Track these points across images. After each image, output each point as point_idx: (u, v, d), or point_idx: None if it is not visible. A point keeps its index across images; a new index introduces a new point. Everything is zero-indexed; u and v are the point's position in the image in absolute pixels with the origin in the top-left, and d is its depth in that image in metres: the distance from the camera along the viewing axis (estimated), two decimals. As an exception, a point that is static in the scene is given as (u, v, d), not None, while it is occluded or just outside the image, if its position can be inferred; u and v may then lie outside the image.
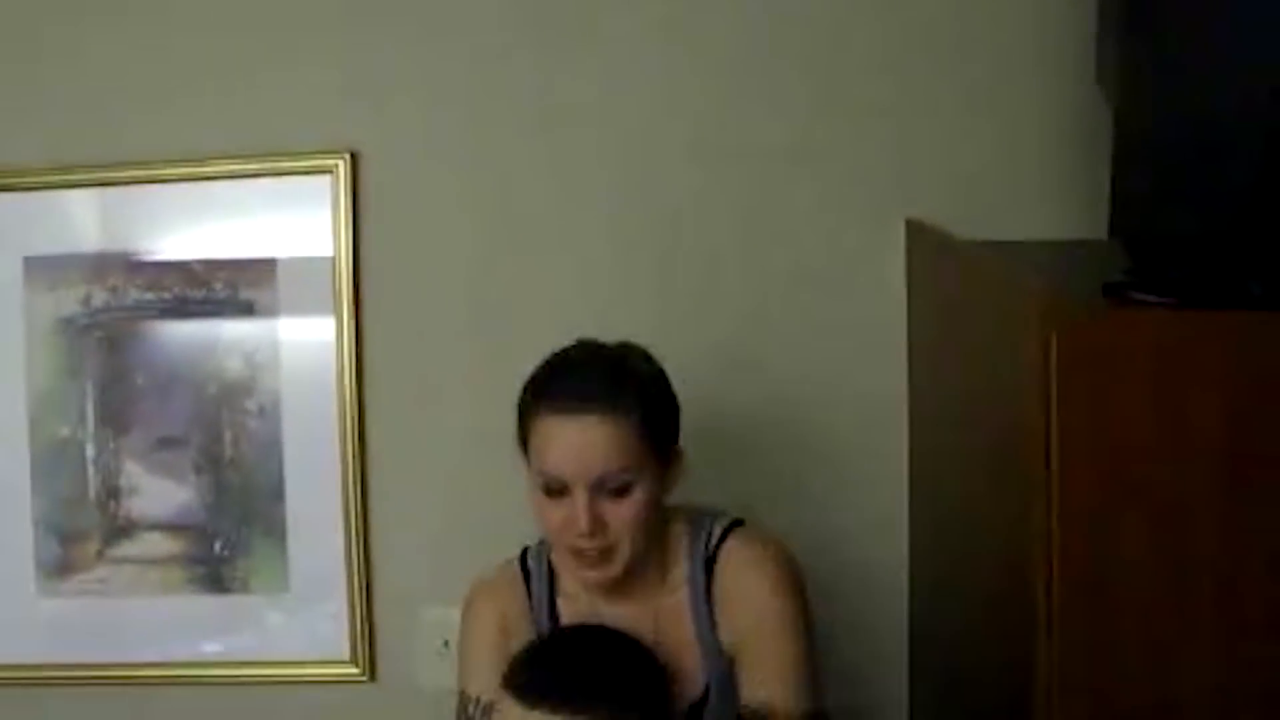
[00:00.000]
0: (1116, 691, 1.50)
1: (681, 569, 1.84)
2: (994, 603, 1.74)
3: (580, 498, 1.72)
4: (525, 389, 1.77)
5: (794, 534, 1.95)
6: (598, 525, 1.72)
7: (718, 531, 1.84)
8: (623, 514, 1.73)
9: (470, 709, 1.82)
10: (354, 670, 2.30)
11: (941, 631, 2.12)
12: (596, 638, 1.76)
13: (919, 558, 2.24)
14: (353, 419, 2.25)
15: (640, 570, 1.80)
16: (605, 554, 1.75)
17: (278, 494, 2.28)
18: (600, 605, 1.83)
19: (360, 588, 2.28)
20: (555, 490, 1.73)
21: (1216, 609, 1.47)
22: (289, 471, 2.28)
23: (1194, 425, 1.42)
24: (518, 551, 1.88)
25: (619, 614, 1.82)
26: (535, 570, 1.87)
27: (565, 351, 1.81)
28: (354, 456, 2.25)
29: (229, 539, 2.29)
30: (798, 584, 1.82)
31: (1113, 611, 1.48)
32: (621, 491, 1.73)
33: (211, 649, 2.32)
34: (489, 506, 2.17)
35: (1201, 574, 1.46)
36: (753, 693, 1.77)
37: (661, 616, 1.83)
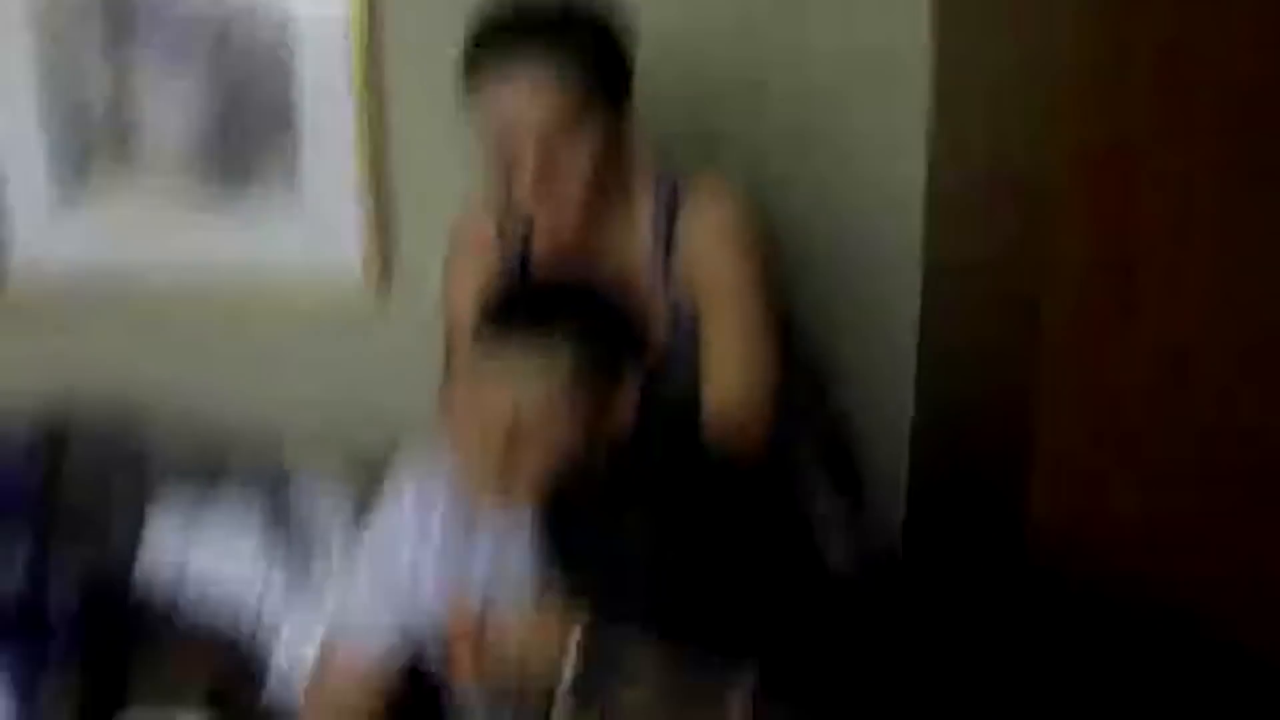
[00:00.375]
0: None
1: (643, 225, 1.84)
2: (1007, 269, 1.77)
3: (528, 149, 1.70)
4: (464, 50, 1.73)
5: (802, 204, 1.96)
6: (549, 171, 1.71)
7: (681, 188, 1.84)
8: (575, 156, 1.72)
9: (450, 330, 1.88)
10: (369, 285, 2.27)
11: (950, 325, 2.14)
12: (563, 280, 1.75)
13: (932, 234, 2.23)
14: (363, 20, 2.16)
15: (602, 230, 1.81)
16: (563, 195, 1.74)
17: (290, 105, 2.21)
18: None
19: (375, 198, 2.23)
20: (503, 134, 1.72)
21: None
22: (301, 81, 2.20)
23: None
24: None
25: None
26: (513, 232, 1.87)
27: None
28: (367, 60, 2.18)
29: (241, 149, 2.23)
30: (756, 241, 1.83)
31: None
32: (570, 133, 1.71)
33: (227, 265, 2.28)
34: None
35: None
36: (710, 362, 1.79)
37: (624, 270, 1.83)
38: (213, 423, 2.30)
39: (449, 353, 1.87)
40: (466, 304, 1.80)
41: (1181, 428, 1.68)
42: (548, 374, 1.61)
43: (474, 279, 1.85)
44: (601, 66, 1.74)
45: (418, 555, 1.76)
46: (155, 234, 2.28)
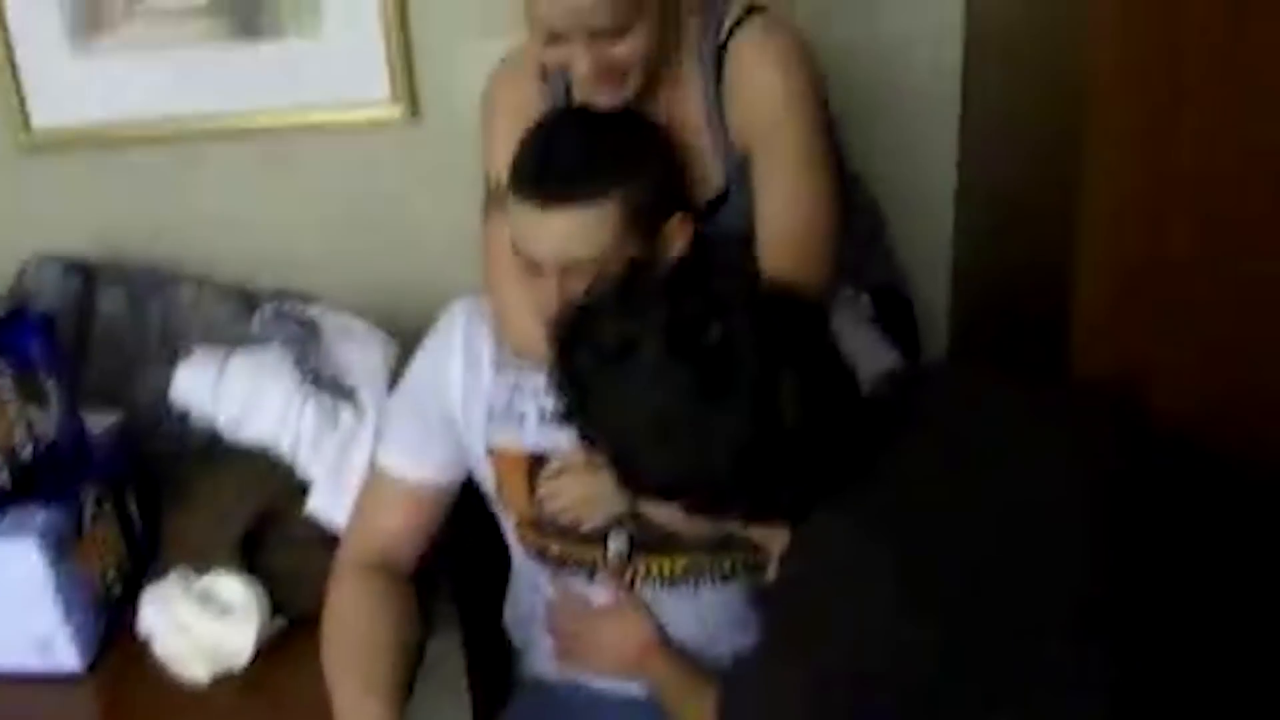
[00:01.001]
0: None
1: (692, 62, 1.73)
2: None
3: (577, 47, 1.60)
4: None
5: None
6: (602, 65, 1.62)
7: (728, 22, 1.72)
8: (627, 51, 1.62)
9: (493, 188, 1.78)
10: (397, 110, 2.21)
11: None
12: (589, 121, 1.67)
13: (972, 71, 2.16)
14: None
15: (652, 88, 1.71)
16: (619, 83, 1.64)
17: None
18: None
19: (398, 24, 2.15)
20: (551, 39, 1.61)
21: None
22: None
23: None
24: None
25: None
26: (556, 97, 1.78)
27: None
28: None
29: None
30: (809, 73, 1.72)
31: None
32: (621, 32, 1.60)
33: (250, 98, 2.22)
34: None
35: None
36: (764, 199, 1.70)
37: (673, 110, 1.75)
38: (244, 264, 2.25)
39: (489, 208, 1.78)
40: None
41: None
42: (597, 228, 1.57)
43: (514, 143, 1.71)
44: None
45: (467, 389, 1.75)
46: (176, 76, 2.21)
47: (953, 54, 2.18)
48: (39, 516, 1.76)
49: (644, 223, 1.59)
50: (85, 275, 2.16)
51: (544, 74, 1.76)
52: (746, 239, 1.71)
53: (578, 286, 1.57)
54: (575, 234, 1.57)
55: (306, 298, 2.11)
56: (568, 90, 1.73)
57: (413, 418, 1.78)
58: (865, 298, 1.88)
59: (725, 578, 1.75)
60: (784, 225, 1.68)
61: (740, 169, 1.75)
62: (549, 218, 1.57)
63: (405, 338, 1.96)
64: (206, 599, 1.80)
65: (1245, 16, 1.52)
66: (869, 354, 1.62)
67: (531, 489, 1.75)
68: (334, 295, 2.16)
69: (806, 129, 1.70)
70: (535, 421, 1.73)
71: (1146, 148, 1.58)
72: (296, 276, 2.23)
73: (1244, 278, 1.62)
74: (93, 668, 1.83)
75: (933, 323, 2.25)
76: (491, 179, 1.77)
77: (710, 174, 1.77)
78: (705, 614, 1.77)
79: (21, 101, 2.23)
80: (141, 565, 1.94)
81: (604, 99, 1.66)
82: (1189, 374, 1.65)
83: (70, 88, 2.23)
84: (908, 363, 1.83)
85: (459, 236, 2.05)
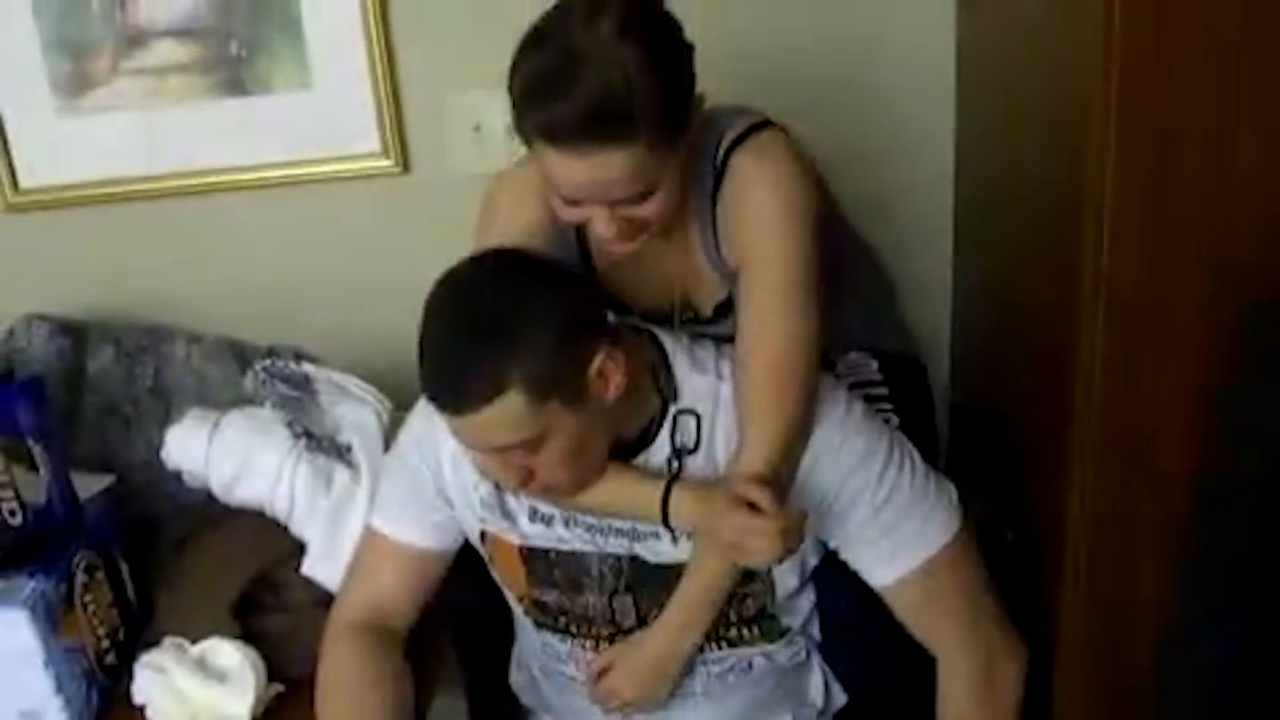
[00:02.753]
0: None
1: (691, 181, 1.65)
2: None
3: (599, 213, 1.56)
4: (512, 96, 1.51)
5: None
6: (624, 225, 1.58)
7: (726, 144, 1.65)
8: (651, 210, 1.57)
9: None
10: (387, 162, 2.19)
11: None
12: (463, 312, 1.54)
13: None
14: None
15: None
16: (637, 235, 1.60)
17: None
18: None
19: (385, 77, 2.13)
20: (571, 201, 1.57)
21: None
22: None
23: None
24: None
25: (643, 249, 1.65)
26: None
27: (538, 46, 1.51)
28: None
29: (244, 38, 2.14)
30: (802, 197, 1.64)
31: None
32: (643, 196, 1.55)
33: (239, 154, 2.20)
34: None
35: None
36: (745, 311, 1.64)
37: (674, 226, 1.68)
38: (237, 319, 2.23)
39: None
40: None
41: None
42: (502, 425, 1.50)
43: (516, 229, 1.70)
44: (663, 127, 1.51)
45: (456, 474, 1.72)
46: (164, 134, 2.19)
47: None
48: (29, 586, 1.72)
49: (557, 390, 1.50)
50: (75, 335, 2.13)
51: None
52: None
53: (514, 463, 1.56)
54: (487, 432, 1.53)
55: (300, 355, 2.08)
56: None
57: (406, 483, 1.76)
58: (874, 364, 1.84)
59: (730, 643, 1.73)
60: (762, 353, 1.63)
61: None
62: (458, 422, 1.54)
63: (400, 393, 1.93)
64: (202, 666, 1.77)
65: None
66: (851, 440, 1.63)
67: (530, 573, 1.74)
68: (327, 349, 2.13)
69: (793, 255, 1.63)
70: (527, 521, 1.70)
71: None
72: (289, 331, 2.20)
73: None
74: (87, 739, 1.79)
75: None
76: None
77: (713, 287, 1.74)
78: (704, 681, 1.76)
79: (9, 161, 2.21)
80: (135, 632, 1.90)
81: (621, 249, 1.63)
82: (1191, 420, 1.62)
83: (58, 147, 2.21)
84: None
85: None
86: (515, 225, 1.70)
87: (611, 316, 1.65)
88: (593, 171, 1.50)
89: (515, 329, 1.48)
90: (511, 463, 1.56)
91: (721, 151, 1.65)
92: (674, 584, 1.67)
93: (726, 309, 1.72)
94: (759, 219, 1.63)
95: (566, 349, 1.50)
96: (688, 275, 1.75)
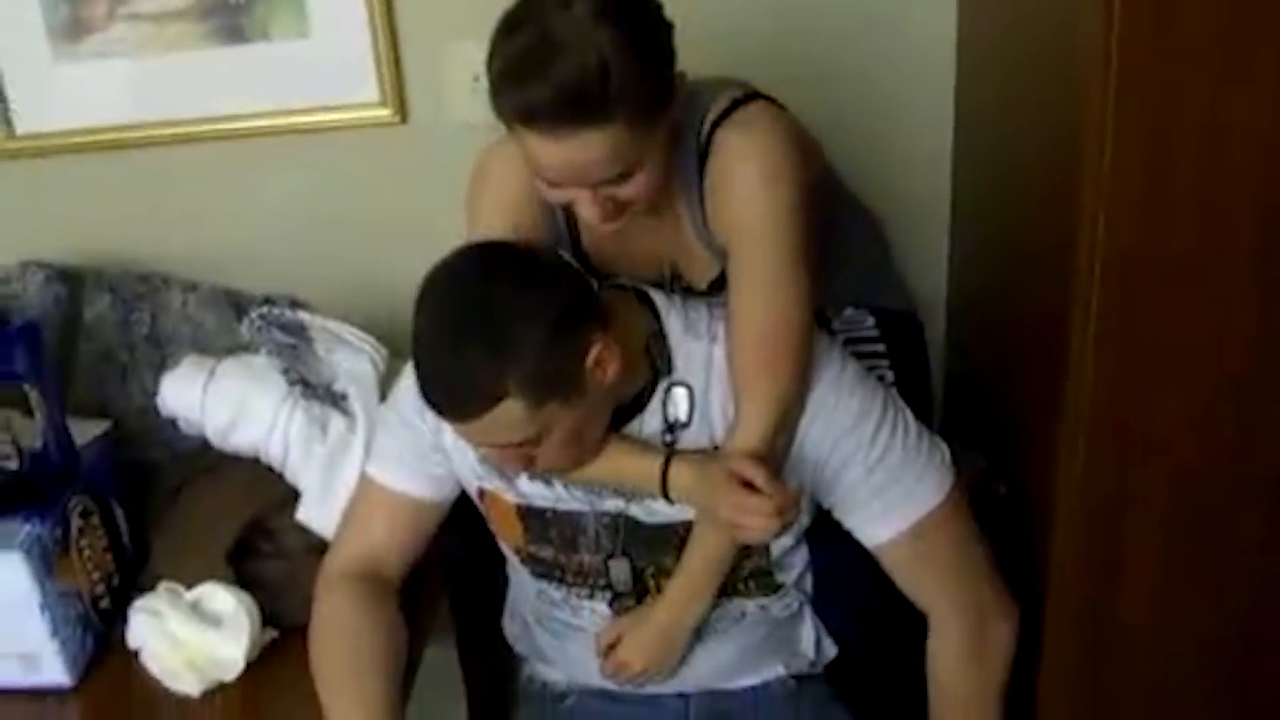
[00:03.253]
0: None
1: (676, 158, 1.66)
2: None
3: (582, 194, 1.56)
4: (490, 78, 1.50)
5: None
6: (608, 206, 1.58)
7: (710, 120, 1.65)
8: (634, 190, 1.57)
9: None
10: (385, 112, 2.19)
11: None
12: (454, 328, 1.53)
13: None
14: None
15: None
16: (622, 213, 1.61)
17: None
18: None
19: (384, 26, 2.12)
20: (553, 183, 1.58)
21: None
22: None
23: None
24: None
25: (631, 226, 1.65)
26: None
27: (515, 29, 1.50)
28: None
29: None
30: (789, 172, 1.63)
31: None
32: (624, 177, 1.55)
33: (237, 102, 2.19)
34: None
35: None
36: (736, 287, 1.64)
37: (662, 205, 1.68)
38: (233, 268, 2.23)
39: None
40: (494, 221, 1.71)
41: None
42: (506, 428, 1.51)
43: (499, 229, 1.70)
44: (643, 106, 1.50)
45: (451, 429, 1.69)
46: (160, 81, 2.19)
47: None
48: (24, 530, 1.73)
49: (555, 389, 1.51)
50: (70, 282, 2.13)
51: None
52: None
53: (514, 454, 1.58)
54: (487, 435, 1.54)
55: (296, 303, 2.07)
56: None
57: (403, 433, 1.76)
58: (870, 320, 1.85)
59: (724, 593, 1.73)
60: (753, 329, 1.64)
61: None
62: (457, 427, 1.56)
63: (396, 341, 1.92)
64: (196, 610, 1.78)
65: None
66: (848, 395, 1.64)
67: (526, 530, 1.75)
68: (324, 298, 2.12)
69: (781, 230, 1.63)
70: (525, 480, 1.71)
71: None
72: (286, 280, 2.20)
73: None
74: (81, 682, 1.80)
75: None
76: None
77: (705, 264, 1.75)
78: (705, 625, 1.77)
79: (4, 108, 2.21)
80: (130, 577, 1.91)
81: (605, 229, 1.62)
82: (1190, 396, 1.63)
83: (54, 93, 2.20)
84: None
85: (450, 238, 2.03)
86: (505, 196, 1.71)
87: (600, 290, 1.65)
88: (570, 154, 1.50)
89: (506, 334, 1.47)
90: (511, 454, 1.57)
91: (706, 127, 1.65)
92: (669, 543, 1.69)
93: (720, 285, 1.72)
94: (745, 194, 1.63)
95: (560, 347, 1.49)
96: (679, 252, 1.76)
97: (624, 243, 1.73)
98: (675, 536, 1.69)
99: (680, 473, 1.61)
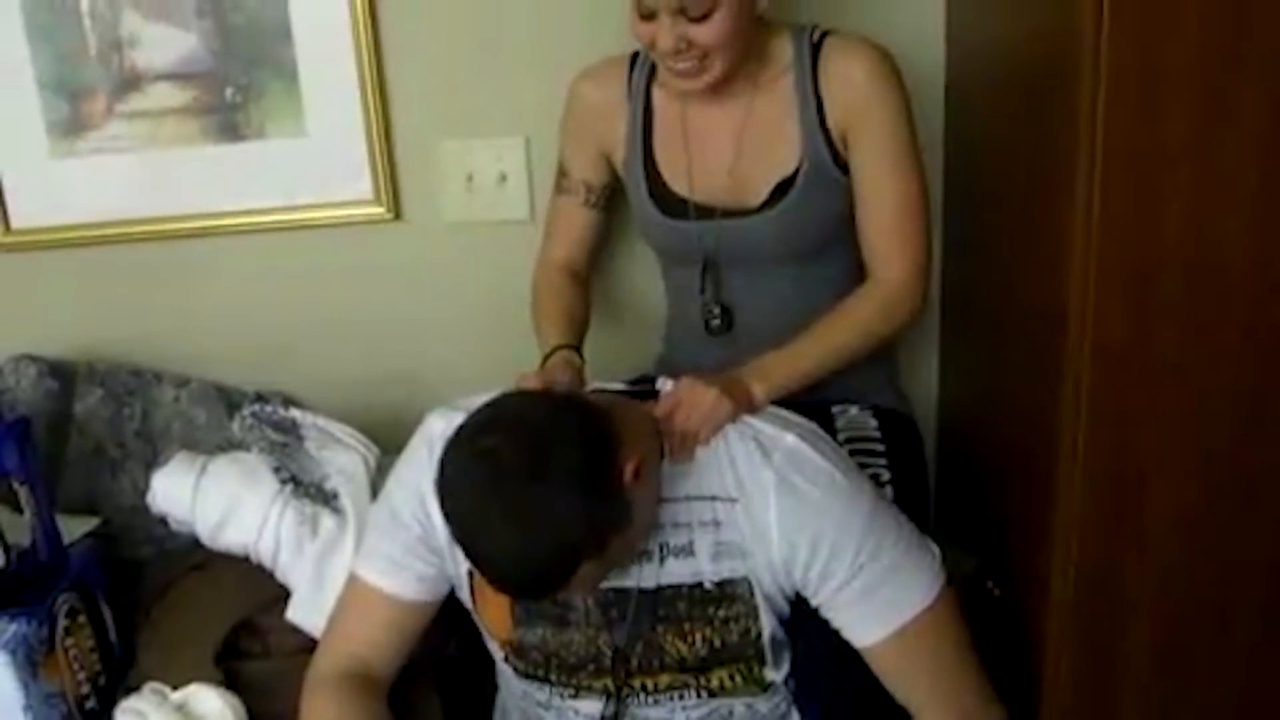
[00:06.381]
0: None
1: (784, 62, 1.91)
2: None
3: (664, 22, 1.79)
4: None
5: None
6: (683, 45, 1.81)
7: (818, 33, 1.91)
8: (708, 34, 1.80)
9: (559, 178, 2.06)
10: (380, 210, 2.20)
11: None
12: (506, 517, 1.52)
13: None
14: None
15: (737, 75, 1.88)
16: (699, 67, 1.83)
17: (285, 33, 2.13)
18: (691, 102, 1.93)
19: (379, 125, 2.15)
20: (645, 14, 1.81)
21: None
22: (295, 9, 2.11)
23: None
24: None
25: (707, 113, 1.93)
26: (641, 61, 1.99)
27: None
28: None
29: (240, 84, 2.15)
30: (900, 75, 1.90)
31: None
32: (705, 15, 1.78)
33: (232, 198, 2.20)
34: (507, 35, 2.09)
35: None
36: (866, 171, 1.87)
37: (756, 109, 1.92)
38: (225, 364, 2.23)
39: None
40: (578, 171, 2.02)
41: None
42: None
43: (586, 149, 2.02)
44: None
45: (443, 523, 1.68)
46: (157, 177, 2.19)
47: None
48: (10, 629, 1.71)
49: (612, 530, 1.52)
50: (63, 377, 2.12)
51: (631, 65, 1.99)
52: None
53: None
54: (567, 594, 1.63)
55: (288, 400, 2.08)
56: (648, 88, 1.96)
57: (392, 532, 1.74)
58: (873, 421, 1.94)
59: (712, 693, 1.72)
60: (888, 205, 1.88)
61: (821, 157, 1.89)
62: None
63: (388, 439, 1.93)
64: (183, 712, 1.75)
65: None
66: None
67: (513, 615, 1.73)
68: (316, 394, 2.14)
69: (905, 127, 1.88)
70: None
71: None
72: (279, 375, 2.21)
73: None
74: (64, 786, 1.77)
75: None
76: (560, 164, 2.05)
77: (784, 158, 1.90)
78: None
79: (1, 202, 2.21)
80: (116, 677, 1.89)
81: (686, 84, 1.86)
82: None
83: (51, 188, 2.21)
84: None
85: (441, 335, 2.04)
86: (587, 112, 2.01)
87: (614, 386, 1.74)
88: None
89: (550, 527, 1.47)
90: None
91: (816, 33, 1.90)
92: (658, 610, 1.67)
93: (782, 190, 1.90)
94: (875, 87, 1.86)
95: (600, 499, 1.51)
96: (756, 143, 1.92)
97: (690, 142, 1.94)
98: (663, 604, 1.68)
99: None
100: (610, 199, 2.04)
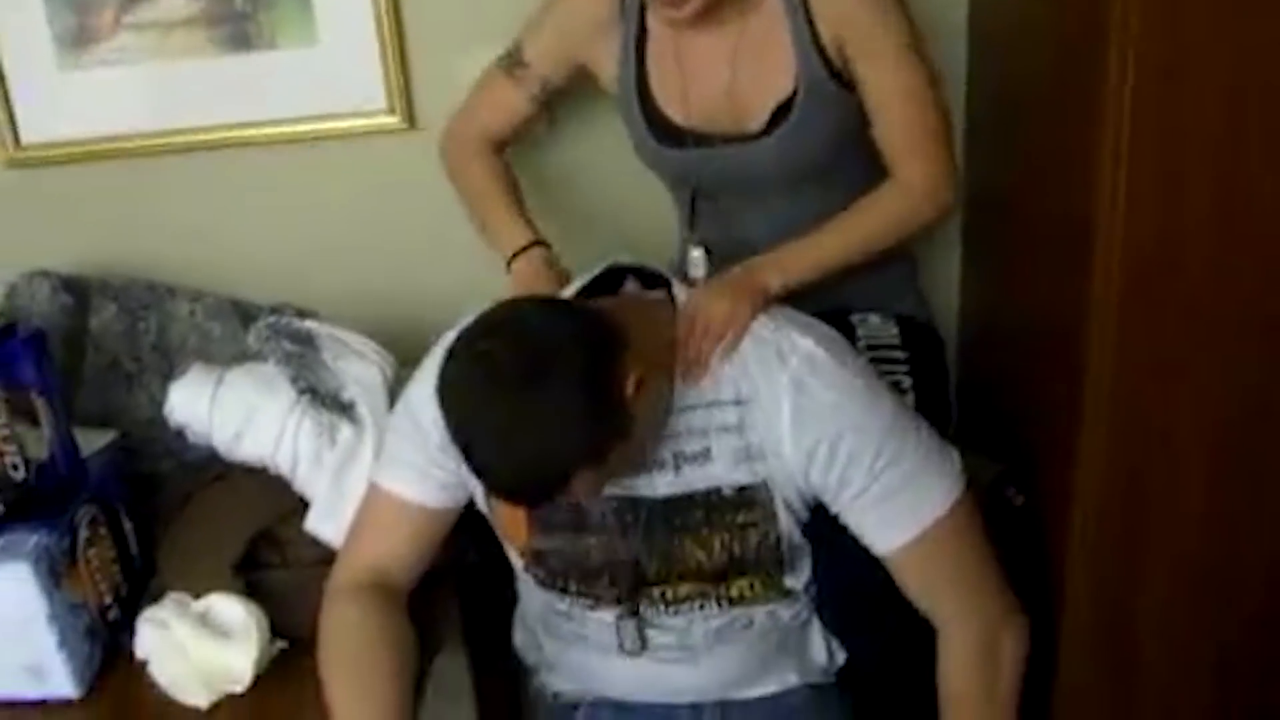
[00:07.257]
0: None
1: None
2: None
3: None
4: None
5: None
6: None
7: None
8: None
9: (513, 64, 2.00)
10: (393, 119, 2.19)
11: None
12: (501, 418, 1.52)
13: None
14: None
15: (723, 2, 1.82)
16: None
17: None
18: (683, 31, 1.87)
19: (391, 33, 2.13)
20: None
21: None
22: None
23: None
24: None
25: (698, 41, 1.87)
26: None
27: None
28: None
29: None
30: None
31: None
32: None
33: (243, 110, 2.19)
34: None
35: None
36: (872, 84, 1.82)
37: (748, 32, 1.86)
38: (240, 277, 2.23)
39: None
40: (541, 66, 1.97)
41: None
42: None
43: (563, 51, 1.97)
44: None
45: None
46: (167, 89, 2.18)
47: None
48: (32, 540, 1.71)
49: (611, 440, 1.51)
50: (77, 292, 2.12)
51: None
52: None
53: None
54: (566, 499, 1.60)
55: (303, 311, 2.06)
56: (642, 9, 1.89)
57: (411, 440, 1.74)
58: (895, 329, 1.92)
59: (733, 601, 1.73)
60: (896, 107, 1.83)
61: (818, 75, 1.84)
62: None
63: (404, 349, 1.92)
64: (205, 622, 1.77)
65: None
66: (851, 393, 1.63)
67: (531, 525, 1.74)
68: (331, 307, 2.12)
69: (894, 14, 1.82)
70: None
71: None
72: (293, 289, 2.19)
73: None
74: (88, 694, 1.78)
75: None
76: (518, 48, 1.99)
77: (780, 80, 1.85)
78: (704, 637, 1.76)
79: (10, 117, 2.20)
80: (138, 588, 1.90)
81: (670, 13, 1.79)
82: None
83: (60, 103, 2.20)
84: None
85: (457, 247, 2.02)
86: (585, 13, 1.95)
87: (628, 285, 1.70)
88: None
89: (547, 429, 1.46)
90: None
91: None
92: (675, 519, 1.67)
93: (781, 115, 1.85)
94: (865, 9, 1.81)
95: (599, 405, 1.49)
96: (752, 65, 1.87)
97: (685, 68, 1.89)
98: (678, 514, 1.68)
99: None
100: (552, 101, 2.02)
